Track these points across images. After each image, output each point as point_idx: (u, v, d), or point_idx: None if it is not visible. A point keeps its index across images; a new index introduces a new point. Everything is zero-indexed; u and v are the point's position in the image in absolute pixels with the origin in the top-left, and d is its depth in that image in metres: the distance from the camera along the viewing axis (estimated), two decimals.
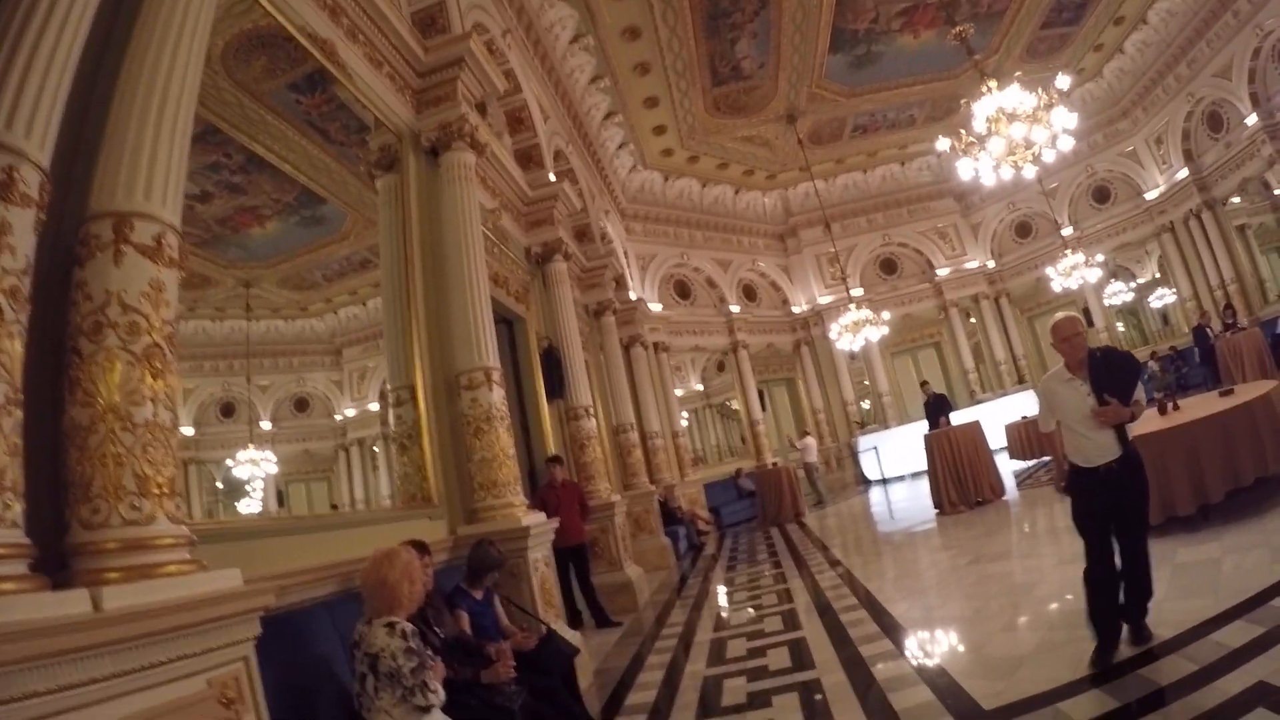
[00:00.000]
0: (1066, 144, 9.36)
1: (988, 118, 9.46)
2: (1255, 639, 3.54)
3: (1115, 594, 4.00)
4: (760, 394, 19.57)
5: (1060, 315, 4.31)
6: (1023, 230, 22.26)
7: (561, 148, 12.04)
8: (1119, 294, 20.83)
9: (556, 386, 9.86)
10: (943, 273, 22.06)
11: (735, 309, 19.88)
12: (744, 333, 19.83)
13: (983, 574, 6.46)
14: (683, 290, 19.42)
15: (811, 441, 17.77)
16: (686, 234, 19.50)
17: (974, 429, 10.99)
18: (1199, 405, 6.94)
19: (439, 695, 3.11)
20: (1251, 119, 16.11)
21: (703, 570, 10.72)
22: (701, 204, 19.64)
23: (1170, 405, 7.27)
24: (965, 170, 9.99)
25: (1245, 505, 5.77)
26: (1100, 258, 17.62)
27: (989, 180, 10.03)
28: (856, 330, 16.65)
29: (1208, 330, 14.45)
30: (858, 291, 20.12)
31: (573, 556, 8.04)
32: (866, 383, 21.36)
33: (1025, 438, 13.19)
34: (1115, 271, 20.24)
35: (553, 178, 10.39)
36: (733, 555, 11.72)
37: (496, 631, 4.73)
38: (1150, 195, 19.38)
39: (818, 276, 21.64)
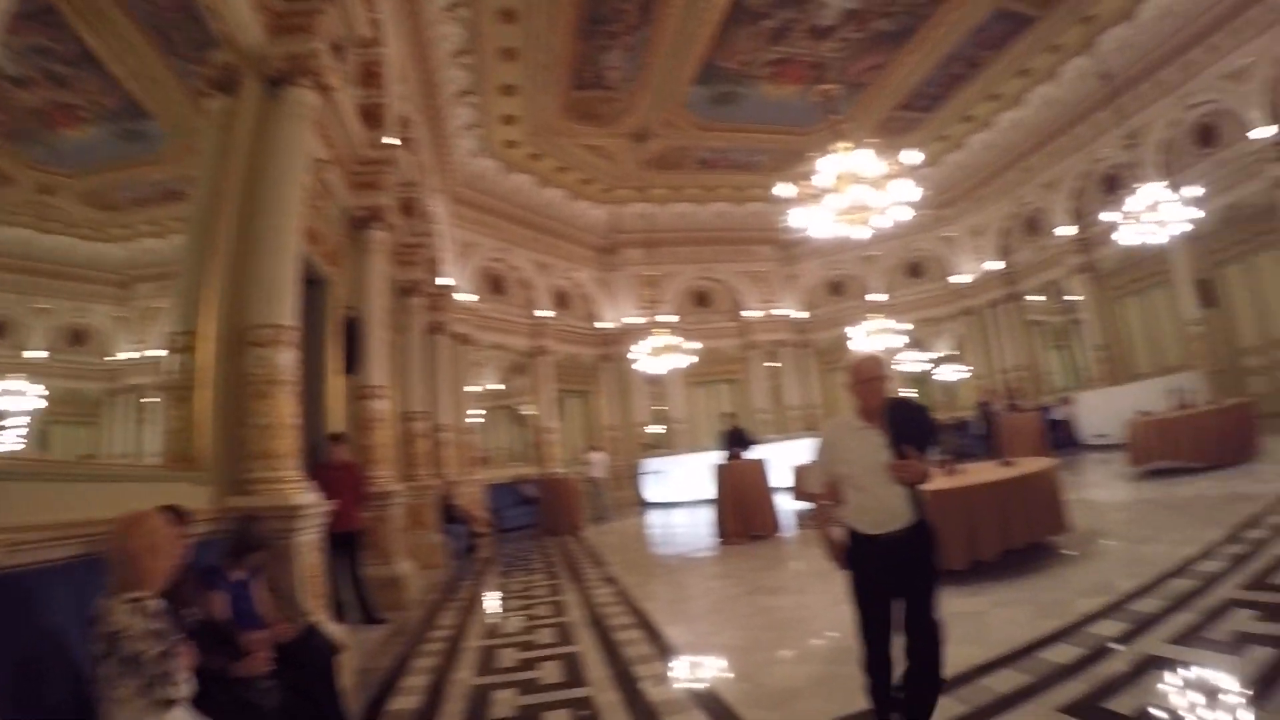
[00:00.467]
0: (903, 215, 9.78)
1: (836, 174, 9.70)
2: (1022, 687, 3.82)
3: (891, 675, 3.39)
4: (556, 402, 19.47)
5: (862, 354, 4.03)
6: (835, 288, 23.93)
7: (409, 115, 11.41)
8: (914, 362, 22.58)
9: (353, 361, 9.23)
10: (752, 314, 23.09)
11: (546, 313, 19.71)
12: (550, 339, 19.73)
13: (759, 605, 6.63)
14: (496, 285, 19.00)
15: (601, 457, 17.89)
16: (513, 229, 19.14)
17: (760, 466, 11.49)
18: (982, 471, 7.49)
19: (185, 688, 2.71)
20: (1066, 230, 18.55)
21: (477, 573, 10.42)
22: (534, 203, 19.36)
23: (951, 468, 7.81)
24: (800, 219, 10.23)
25: (1014, 566, 6.25)
26: (907, 326, 19.11)
27: (820, 234, 10.35)
28: (662, 355, 16.97)
29: (992, 407, 15.92)
30: (669, 317, 20.56)
31: (345, 544, 7.48)
32: (661, 407, 21.79)
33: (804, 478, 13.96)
34: (913, 341, 21.93)
35: (394, 142, 9.78)
36: (509, 561, 11.50)
37: (255, 619, 4.26)
38: (960, 279, 21.65)
39: (632, 296, 21.91)
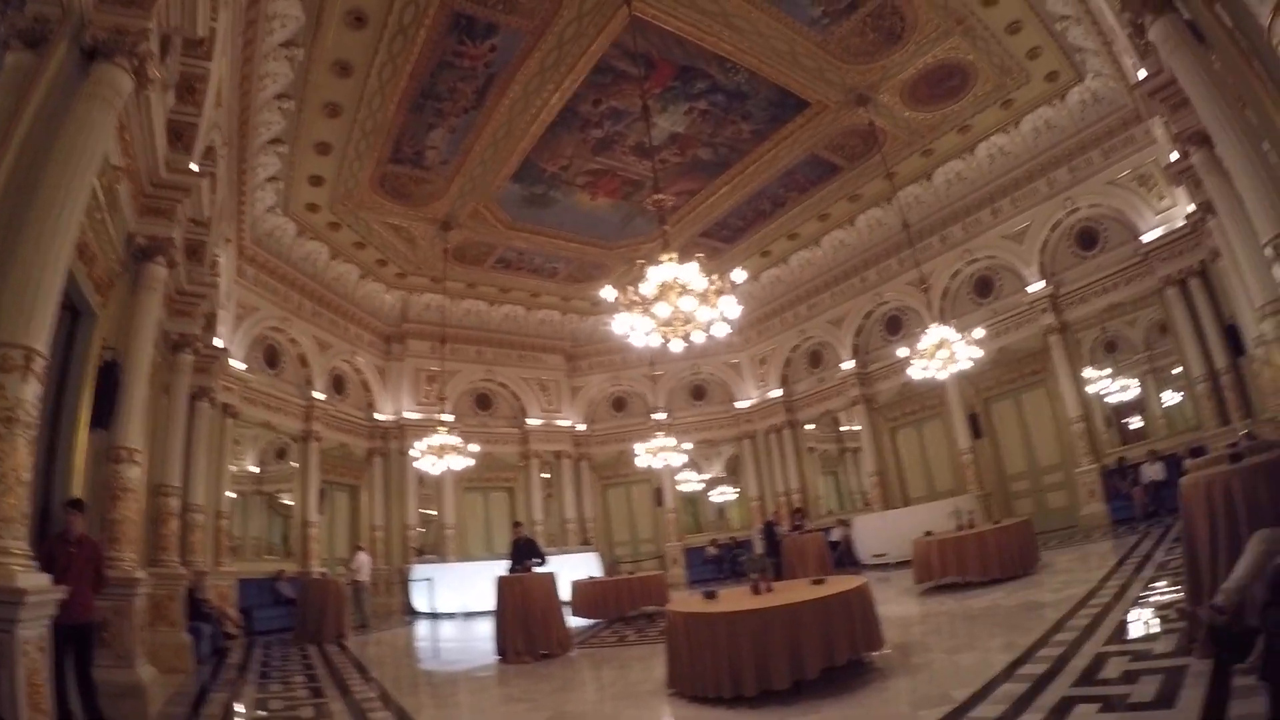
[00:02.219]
0: (722, 330, 9.69)
1: (662, 282, 9.51)
2: None
3: None
4: (321, 493, 17.46)
5: None
6: (618, 404, 23.95)
7: (216, 146, 10.07)
8: (690, 482, 22.91)
9: (106, 414, 7.59)
10: (534, 422, 22.43)
11: (320, 395, 17.92)
12: (321, 424, 17.84)
13: None
14: (271, 358, 17.07)
15: (366, 559, 16.13)
16: (297, 300, 17.48)
17: (549, 579, 10.48)
18: (797, 589, 7.19)
19: None
20: (848, 365, 19.96)
21: (228, 683, 8.58)
22: (323, 276, 17.92)
23: (764, 586, 7.45)
24: (623, 325, 9.83)
25: (838, 683, 5.86)
26: (689, 445, 19.09)
27: (641, 342, 9.97)
28: (441, 454, 15.85)
29: (776, 528, 16.07)
30: (448, 416, 19.45)
31: (75, 639, 5.79)
32: (431, 511, 20.30)
33: (591, 597, 13.19)
34: (690, 462, 22.19)
35: (195, 168, 8.48)
36: (264, 669, 9.64)
37: None
38: (743, 404, 22.59)
39: (413, 390, 20.71)
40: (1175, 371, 15.01)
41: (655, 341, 9.90)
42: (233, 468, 15.33)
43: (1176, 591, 6.95)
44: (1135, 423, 15.82)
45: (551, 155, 14.71)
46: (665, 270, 9.31)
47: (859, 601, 6.59)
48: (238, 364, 14.99)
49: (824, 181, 17.10)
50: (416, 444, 16.39)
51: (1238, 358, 13.06)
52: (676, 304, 9.39)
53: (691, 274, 9.34)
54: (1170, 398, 15.36)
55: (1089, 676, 4.89)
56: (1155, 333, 15.37)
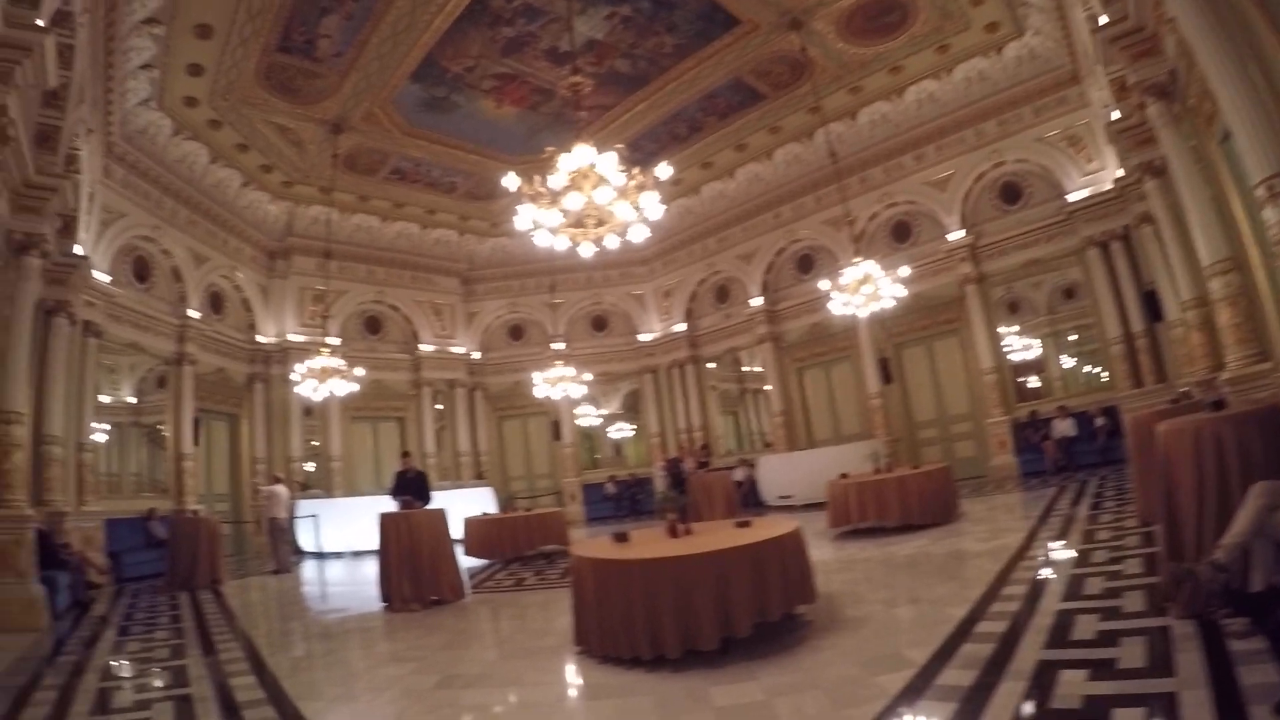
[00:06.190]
0: (641, 233, 8.52)
1: (576, 170, 8.15)
2: None
3: None
4: (196, 423, 15.92)
5: None
6: (515, 333, 23.01)
7: (74, 11, 8.47)
8: (589, 416, 22.35)
9: None
10: (426, 349, 21.30)
11: (194, 314, 16.16)
12: (195, 345, 16.09)
13: (459, 704, 4.78)
14: (141, 271, 15.21)
15: (284, 490, 14.52)
16: (171, 206, 15.60)
17: (438, 516, 9.37)
18: (722, 532, 6.55)
19: None
20: (757, 301, 19.60)
21: (86, 638, 7.51)
22: (200, 182, 16.05)
23: (682, 530, 6.69)
24: (525, 220, 8.35)
25: (770, 640, 5.27)
26: (588, 377, 18.39)
27: (546, 242, 8.70)
28: (324, 378, 14.62)
29: (681, 464, 15.65)
30: (336, 340, 18.15)
31: None
32: (315, 443, 19.08)
33: (485, 535, 12.48)
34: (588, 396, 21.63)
35: (39, 23, 7.02)
36: (125, 625, 8.47)
37: None
38: (644, 338, 22.08)
39: (297, 310, 19.16)
40: (1071, 338, 15.92)
41: (562, 244, 8.67)
42: (106, 398, 13.76)
43: (1123, 545, 6.82)
44: (1033, 382, 16.36)
45: (456, 54, 13.43)
46: (580, 155, 8.10)
47: (793, 548, 5.98)
48: (102, 276, 13.24)
49: (745, 109, 16.46)
50: (297, 367, 15.13)
51: (1154, 323, 13.54)
52: (591, 195, 8.13)
53: (610, 166, 8.16)
54: (1068, 361, 16.17)
55: (1061, 637, 4.53)
56: (1058, 296, 15.94)
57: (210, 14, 11.46)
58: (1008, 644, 4.50)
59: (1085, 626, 4.59)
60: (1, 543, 7.56)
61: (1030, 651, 4.30)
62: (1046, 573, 6.42)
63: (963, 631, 4.93)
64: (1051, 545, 7.66)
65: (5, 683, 5.75)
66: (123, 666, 6.40)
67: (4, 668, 6.25)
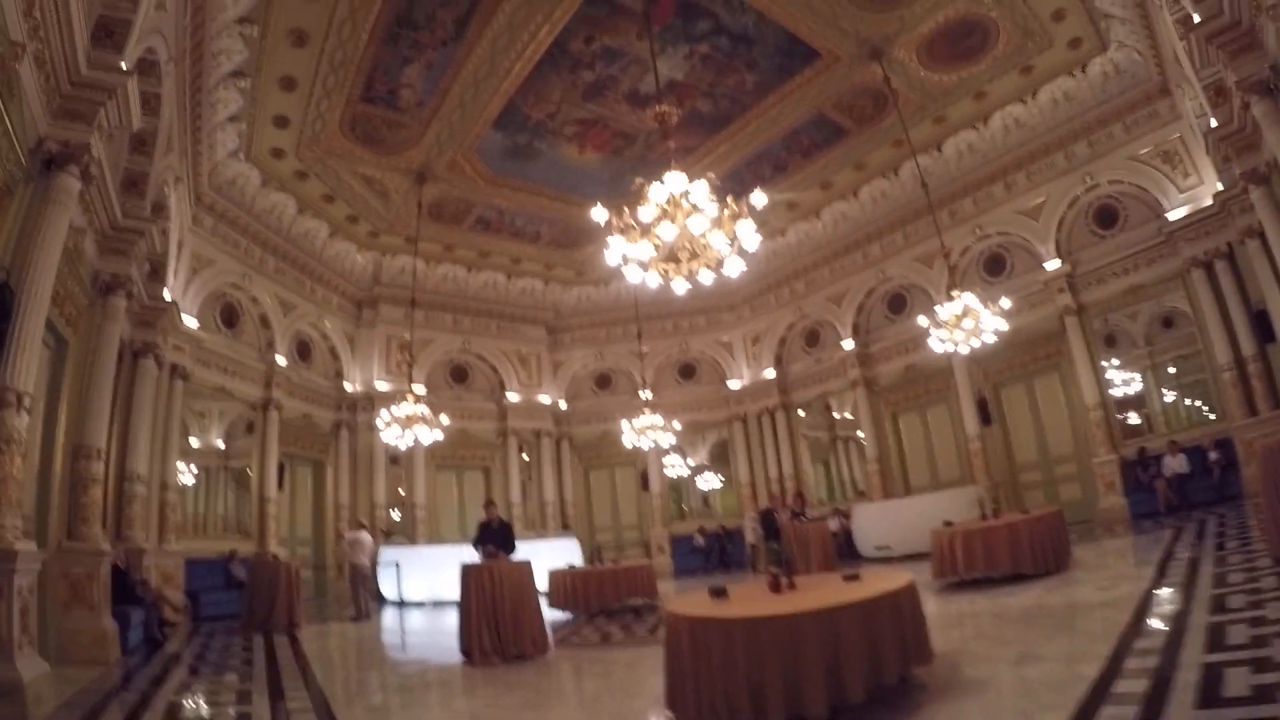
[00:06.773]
0: (736, 268, 7.98)
1: (667, 198, 7.70)
2: None
3: None
4: (281, 468, 16.11)
5: None
6: (602, 381, 22.83)
7: (160, 61, 8.74)
8: (676, 467, 21.90)
9: None
10: (512, 398, 21.20)
11: (281, 360, 16.51)
12: (282, 391, 16.42)
13: None
14: (229, 317, 15.67)
15: (368, 538, 14.42)
16: (259, 255, 16.09)
17: (523, 568, 9.06)
18: (821, 587, 5.99)
19: None
20: (848, 344, 18.90)
21: (154, 675, 7.34)
22: (288, 231, 16.53)
23: (785, 584, 6.15)
24: (615, 254, 7.88)
25: (887, 706, 4.72)
26: (677, 426, 17.89)
27: (634, 278, 8.22)
28: (409, 425, 14.54)
29: (776, 514, 15.00)
30: (421, 389, 18.18)
31: None
32: (400, 491, 19.06)
33: (570, 588, 11.98)
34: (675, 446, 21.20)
35: (123, 65, 7.17)
36: (195, 665, 8.27)
37: None
38: (732, 385, 21.60)
39: (383, 359, 19.37)
40: (1171, 370, 15.02)
41: (653, 280, 8.10)
42: (195, 441, 14.04)
43: (1260, 587, 6.08)
44: (1133, 419, 15.25)
45: (537, 100, 13.50)
46: (671, 183, 7.68)
47: (909, 603, 5.38)
48: (190, 321, 13.63)
49: (829, 146, 16.02)
50: (382, 414, 15.08)
51: (1266, 344, 12.34)
52: (685, 224, 7.59)
53: (702, 194, 7.63)
54: (1169, 394, 15.14)
55: (1212, 694, 3.91)
56: (1156, 326, 14.99)
57: (295, 67, 11.79)
58: (1153, 705, 3.93)
59: (1237, 681, 3.99)
60: (74, 575, 7.53)
61: (1181, 712, 3.76)
62: (1179, 622, 5.69)
63: (1099, 693, 4.32)
64: (1180, 591, 6.88)
65: (63, 716, 5.58)
66: (186, 706, 6.18)
67: (66, 699, 6.09)
